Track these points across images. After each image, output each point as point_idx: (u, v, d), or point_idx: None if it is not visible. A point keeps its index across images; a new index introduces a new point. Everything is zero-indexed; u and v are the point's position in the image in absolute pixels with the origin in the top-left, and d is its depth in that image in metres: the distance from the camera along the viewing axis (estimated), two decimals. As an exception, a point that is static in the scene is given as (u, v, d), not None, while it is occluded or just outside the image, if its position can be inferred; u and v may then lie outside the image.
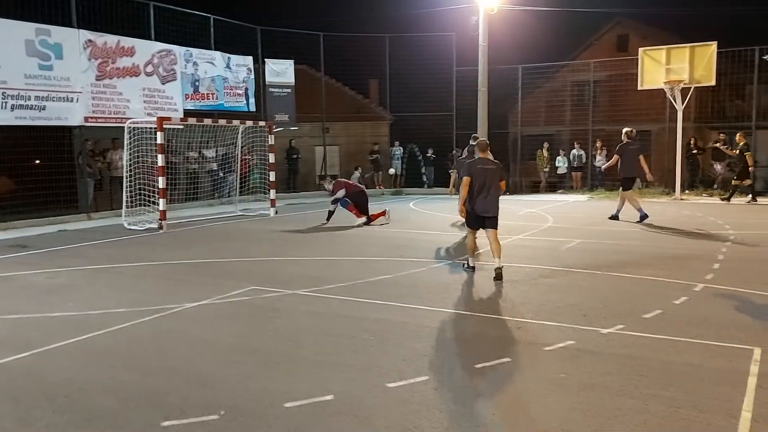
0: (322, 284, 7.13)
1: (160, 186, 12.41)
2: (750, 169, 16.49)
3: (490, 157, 7.91)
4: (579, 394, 3.93)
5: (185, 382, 4.28)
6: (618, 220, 12.50)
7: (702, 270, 7.58)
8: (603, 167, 13.11)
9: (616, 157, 12.73)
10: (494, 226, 7.75)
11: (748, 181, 16.69)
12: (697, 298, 6.33)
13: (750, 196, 16.50)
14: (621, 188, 12.78)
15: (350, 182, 13.97)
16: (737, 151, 16.77)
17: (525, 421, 3.58)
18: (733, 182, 16.99)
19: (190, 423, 3.62)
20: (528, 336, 5.15)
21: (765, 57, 20.79)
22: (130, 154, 13.16)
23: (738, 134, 17.36)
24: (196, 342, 5.19)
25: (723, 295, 6.46)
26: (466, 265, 8.00)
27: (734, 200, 16.61)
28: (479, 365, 4.46)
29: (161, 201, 12.43)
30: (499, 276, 7.31)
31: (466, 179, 7.65)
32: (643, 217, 12.15)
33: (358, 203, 12.96)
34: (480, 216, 7.70)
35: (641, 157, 12.57)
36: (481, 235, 7.96)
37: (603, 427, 3.49)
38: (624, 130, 12.89)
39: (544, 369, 4.40)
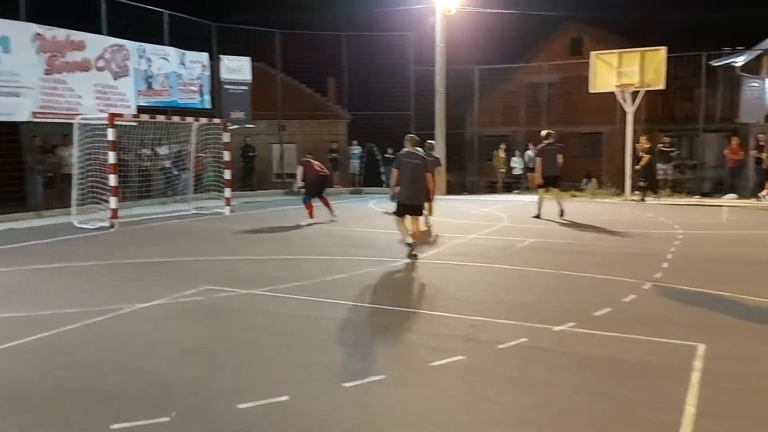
0: (279, 283, 7.08)
1: (112, 184, 12.12)
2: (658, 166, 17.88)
3: (420, 152, 8.91)
4: (532, 392, 4.00)
5: (137, 382, 4.19)
6: (563, 216, 13.01)
7: (651, 269, 7.79)
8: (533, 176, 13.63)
9: (539, 159, 13.20)
10: (419, 213, 8.78)
11: (644, 183, 17.72)
12: (645, 296, 6.51)
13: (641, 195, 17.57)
14: (550, 188, 13.21)
15: (314, 164, 13.54)
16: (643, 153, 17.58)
17: (479, 418, 3.63)
18: (640, 183, 17.88)
19: (139, 425, 3.54)
20: (482, 334, 5.21)
21: (712, 63, 21.54)
22: (80, 151, 12.81)
23: (643, 138, 18.24)
24: (149, 342, 5.08)
25: (670, 293, 6.66)
26: (409, 251, 8.59)
27: (682, 200, 17.17)
28: (434, 363, 4.49)
29: (113, 199, 12.14)
30: (412, 255, 8.33)
31: (394, 171, 8.59)
32: (537, 216, 13.13)
33: (314, 191, 13.04)
34: (406, 205, 8.58)
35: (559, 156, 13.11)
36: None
37: (555, 423, 3.56)
38: (542, 132, 13.41)
39: (497, 367, 4.46)
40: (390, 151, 22.81)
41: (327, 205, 13.20)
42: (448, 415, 3.66)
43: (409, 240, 8.64)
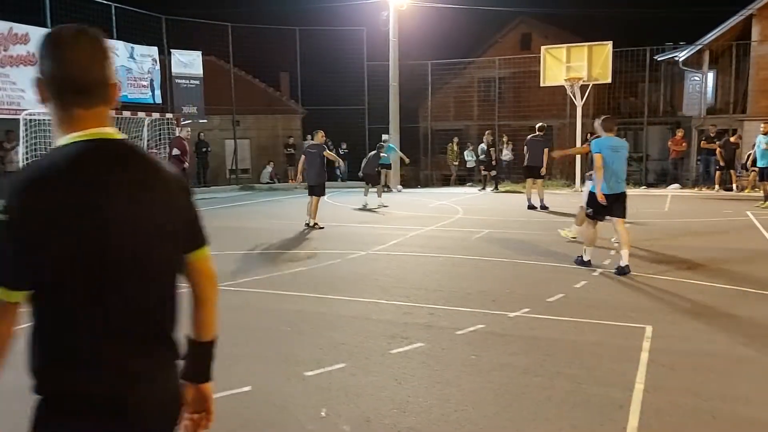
0: (237, 278, 7.05)
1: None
2: (493, 162, 18.89)
3: (318, 141, 11.38)
4: (489, 374, 4.13)
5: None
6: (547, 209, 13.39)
7: (600, 256, 8.05)
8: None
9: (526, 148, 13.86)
10: (317, 194, 11.05)
11: (493, 172, 18.96)
12: (595, 282, 6.74)
13: (494, 185, 18.85)
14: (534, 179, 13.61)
15: (183, 141, 13.82)
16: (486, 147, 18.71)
17: (439, 401, 3.73)
18: (482, 172, 19.25)
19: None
20: (441, 321, 5.33)
21: (656, 57, 22.25)
22: (26, 148, 12.44)
23: (487, 132, 19.41)
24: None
25: (618, 279, 6.91)
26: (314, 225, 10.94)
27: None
28: (394, 350, 4.58)
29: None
30: (311, 226, 10.83)
31: (302, 158, 11.42)
32: (531, 207, 13.51)
33: None
34: (308, 186, 11.26)
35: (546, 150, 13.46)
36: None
37: (512, 403, 3.69)
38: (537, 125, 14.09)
39: (456, 352, 4.57)
40: (344, 145, 22.86)
41: None
42: (410, 399, 3.75)
43: (311, 222, 11.11)
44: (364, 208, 14.22)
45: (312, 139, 11.48)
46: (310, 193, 11.19)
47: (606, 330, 5.05)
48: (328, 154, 11.56)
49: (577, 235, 9.06)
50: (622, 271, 7.02)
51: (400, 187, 19.33)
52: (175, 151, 13.43)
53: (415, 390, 3.89)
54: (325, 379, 4.07)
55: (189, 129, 14.81)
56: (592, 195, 7.50)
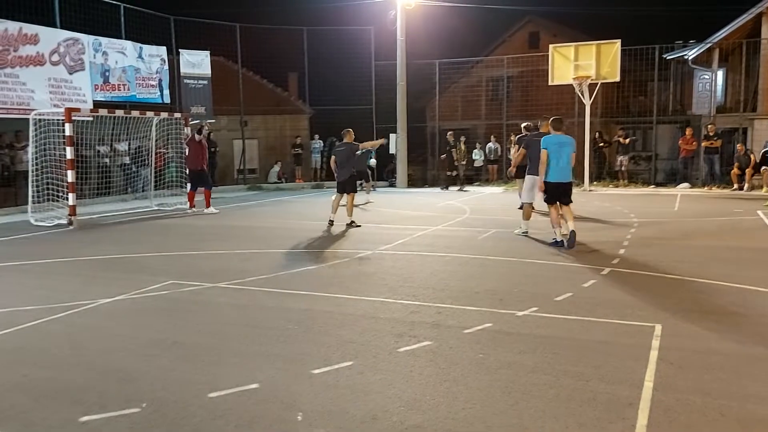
0: (244, 276, 7.07)
1: (70, 180, 11.87)
2: (455, 162, 19.44)
3: (348, 140, 11.52)
4: (497, 372, 4.12)
5: (103, 377, 4.16)
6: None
7: (609, 255, 8.03)
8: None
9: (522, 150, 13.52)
10: (349, 191, 11.35)
11: (455, 173, 19.59)
12: (604, 281, 6.71)
13: (458, 186, 19.48)
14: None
15: (196, 142, 14.03)
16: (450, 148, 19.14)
17: (447, 399, 3.72)
18: (447, 173, 19.88)
19: (110, 417, 3.53)
20: (448, 320, 5.32)
21: (665, 56, 22.13)
22: (36, 148, 12.50)
23: (449, 133, 19.83)
24: (113, 337, 5.04)
25: (628, 277, 6.88)
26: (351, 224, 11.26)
27: (634, 190, 17.65)
28: (402, 349, 4.58)
29: (71, 196, 11.89)
30: (349, 224, 11.19)
31: (332, 157, 11.89)
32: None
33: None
34: (338, 182, 11.50)
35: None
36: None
37: (519, 401, 3.68)
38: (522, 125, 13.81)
39: (464, 350, 4.56)
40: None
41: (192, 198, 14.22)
42: (417, 396, 3.75)
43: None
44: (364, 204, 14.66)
45: (343, 140, 11.70)
46: (340, 191, 11.41)
47: (614, 328, 5.03)
48: (365, 144, 12.29)
49: (527, 229, 9.86)
50: (571, 241, 8.51)
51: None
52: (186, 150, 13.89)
53: (422, 388, 3.89)
54: (333, 377, 4.07)
55: (205, 130, 15.06)
56: (546, 185, 8.79)
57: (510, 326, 5.12)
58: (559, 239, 8.82)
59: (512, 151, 21.51)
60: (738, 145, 17.88)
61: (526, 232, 9.79)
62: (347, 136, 11.58)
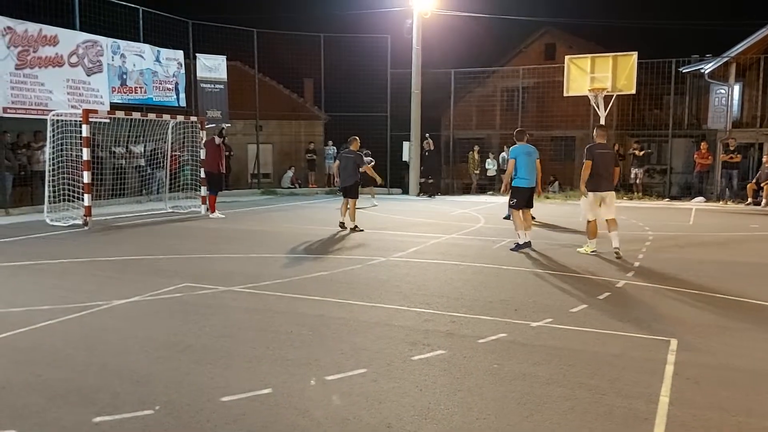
0: (258, 281, 7.08)
1: (86, 181, 11.95)
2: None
3: (354, 148, 11.89)
4: (511, 383, 4.09)
5: (117, 378, 4.17)
6: None
7: (624, 268, 7.98)
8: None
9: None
10: (351, 197, 11.72)
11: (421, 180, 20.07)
12: (619, 294, 6.66)
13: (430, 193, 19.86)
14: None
15: (216, 145, 14.04)
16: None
17: (461, 409, 3.70)
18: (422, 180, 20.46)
19: (123, 418, 3.54)
20: (463, 329, 5.29)
21: (682, 69, 22.02)
22: (53, 148, 12.62)
23: (426, 140, 20.18)
24: (127, 339, 5.05)
25: (643, 290, 6.83)
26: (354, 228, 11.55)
27: (649, 203, 17.51)
28: (416, 357, 4.56)
29: (86, 196, 11.97)
30: (352, 228, 11.44)
31: (336, 162, 12.25)
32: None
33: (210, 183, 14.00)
34: (342, 188, 11.88)
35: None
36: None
37: (533, 413, 3.65)
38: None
39: (478, 360, 4.54)
40: (365, 151, 22.88)
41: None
42: (431, 406, 3.72)
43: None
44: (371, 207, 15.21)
45: (349, 146, 12.03)
46: (345, 195, 11.85)
47: (629, 342, 4.98)
48: (368, 169, 12.22)
49: (595, 248, 9.21)
50: (520, 247, 9.29)
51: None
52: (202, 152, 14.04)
53: (436, 397, 3.87)
54: (347, 384, 4.05)
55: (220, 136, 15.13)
56: (514, 189, 9.56)
57: (524, 337, 5.09)
58: (522, 242, 9.41)
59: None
60: (764, 158, 17.68)
61: (595, 251, 9.13)
62: (353, 143, 11.93)
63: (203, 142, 14.49)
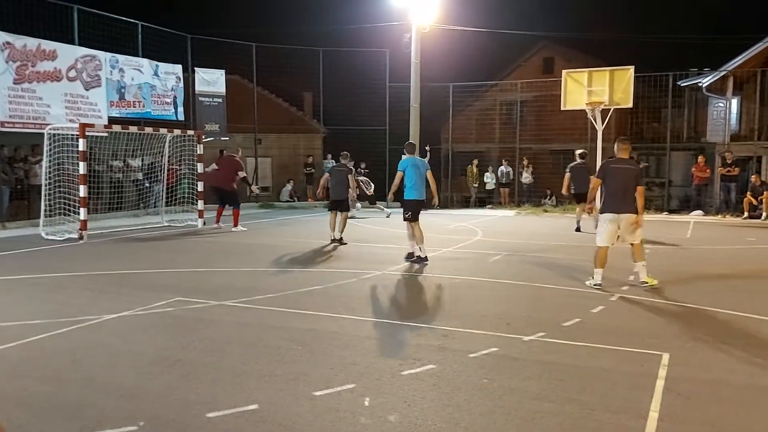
0: (251, 295, 7.05)
1: (82, 195, 11.96)
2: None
3: (345, 162, 12.24)
4: (501, 398, 4.05)
5: (103, 393, 4.14)
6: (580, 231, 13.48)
7: (618, 282, 7.94)
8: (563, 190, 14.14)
9: (568, 174, 13.82)
10: (342, 210, 11.70)
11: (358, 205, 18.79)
12: (612, 308, 6.62)
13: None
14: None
15: (235, 161, 14.12)
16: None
17: (448, 424, 3.66)
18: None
19: (107, 434, 3.51)
20: (454, 344, 5.25)
21: (679, 83, 22.09)
22: (50, 162, 12.64)
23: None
24: (116, 353, 5.02)
25: (636, 304, 6.79)
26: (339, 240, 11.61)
27: (647, 216, 17.52)
28: (406, 372, 4.52)
29: (82, 210, 11.97)
30: (338, 240, 11.52)
31: (326, 175, 12.40)
32: (577, 229, 13.68)
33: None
34: (332, 201, 11.84)
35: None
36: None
37: (521, 429, 3.61)
38: (577, 152, 14.42)
39: (468, 375, 4.50)
40: (363, 165, 22.91)
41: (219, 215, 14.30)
42: (419, 422, 3.69)
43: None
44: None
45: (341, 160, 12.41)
46: (333, 208, 11.78)
47: (622, 356, 4.94)
48: (351, 179, 12.04)
49: (600, 282, 7.70)
50: (420, 260, 9.32)
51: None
52: (242, 174, 14.10)
53: (424, 412, 3.83)
54: (335, 399, 4.02)
55: (236, 149, 15.40)
56: (404, 202, 9.69)
57: (516, 351, 5.05)
58: (423, 255, 9.44)
59: (524, 174, 21.69)
60: (753, 177, 17.73)
61: (599, 285, 7.65)
62: (345, 158, 12.26)
63: (219, 159, 14.53)
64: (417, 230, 9.52)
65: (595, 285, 7.63)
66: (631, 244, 7.77)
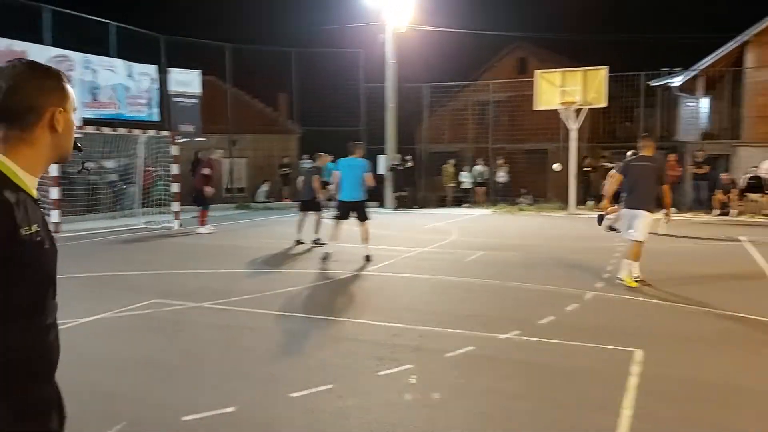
0: (228, 296, 7.03)
1: (54, 197, 11.79)
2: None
3: (320, 164, 12.30)
4: (477, 398, 4.10)
5: (78, 396, 4.06)
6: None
7: (592, 279, 8.05)
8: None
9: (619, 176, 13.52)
10: (316, 210, 11.67)
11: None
12: (587, 306, 6.73)
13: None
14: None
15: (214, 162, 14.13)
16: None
17: (425, 425, 3.70)
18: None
19: (83, 440, 3.48)
20: (430, 343, 5.30)
21: (651, 82, 22.43)
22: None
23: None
24: (91, 356, 4.97)
25: (611, 302, 6.90)
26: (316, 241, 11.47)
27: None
28: (382, 373, 4.55)
29: (54, 212, 11.80)
30: (316, 242, 11.38)
31: (301, 178, 12.32)
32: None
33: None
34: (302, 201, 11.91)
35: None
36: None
37: (497, 428, 3.66)
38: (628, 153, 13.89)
39: (444, 375, 4.55)
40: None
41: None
42: (396, 422, 3.72)
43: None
44: None
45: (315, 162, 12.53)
46: (302, 209, 11.78)
47: (596, 354, 5.03)
48: (316, 180, 11.81)
49: (639, 274, 7.84)
50: (368, 258, 9.43)
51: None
52: (206, 170, 13.71)
53: (401, 412, 3.86)
54: (312, 401, 4.03)
55: (221, 151, 15.15)
56: (337, 203, 9.92)
57: (492, 350, 5.11)
58: (330, 251, 9.88)
59: (499, 173, 21.87)
60: (722, 175, 18.08)
61: (638, 276, 7.80)
62: (320, 159, 12.36)
63: (208, 160, 14.26)
64: (362, 231, 9.75)
65: (635, 277, 7.74)
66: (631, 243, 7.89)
